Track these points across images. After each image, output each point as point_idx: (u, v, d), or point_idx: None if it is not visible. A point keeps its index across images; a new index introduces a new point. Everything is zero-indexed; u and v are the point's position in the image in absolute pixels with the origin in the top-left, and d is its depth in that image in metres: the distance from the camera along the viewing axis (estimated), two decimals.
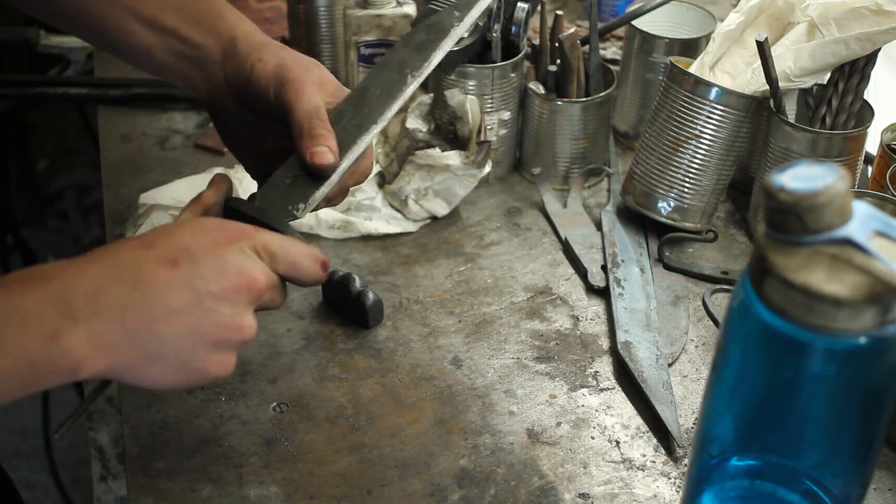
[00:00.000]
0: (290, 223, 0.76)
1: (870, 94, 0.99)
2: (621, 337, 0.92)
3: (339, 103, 0.82)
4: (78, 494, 1.84)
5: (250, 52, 0.81)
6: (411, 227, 1.06)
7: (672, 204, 1.02)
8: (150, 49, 0.84)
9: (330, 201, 0.82)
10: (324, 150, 0.77)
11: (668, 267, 1.01)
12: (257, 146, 0.86)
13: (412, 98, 1.15)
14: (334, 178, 0.78)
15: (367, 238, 1.04)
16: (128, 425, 0.84)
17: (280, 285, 0.72)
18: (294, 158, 0.79)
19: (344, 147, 0.79)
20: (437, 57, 0.84)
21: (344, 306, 0.94)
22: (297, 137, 0.77)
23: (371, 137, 0.80)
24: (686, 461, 0.82)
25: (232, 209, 0.77)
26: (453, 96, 1.04)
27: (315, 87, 0.79)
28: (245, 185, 1.04)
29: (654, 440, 0.84)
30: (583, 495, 0.79)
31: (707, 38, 1.11)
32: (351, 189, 1.05)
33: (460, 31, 0.86)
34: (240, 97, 0.83)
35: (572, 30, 1.08)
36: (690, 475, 0.70)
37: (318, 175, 0.78)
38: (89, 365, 0.63)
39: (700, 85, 0.98)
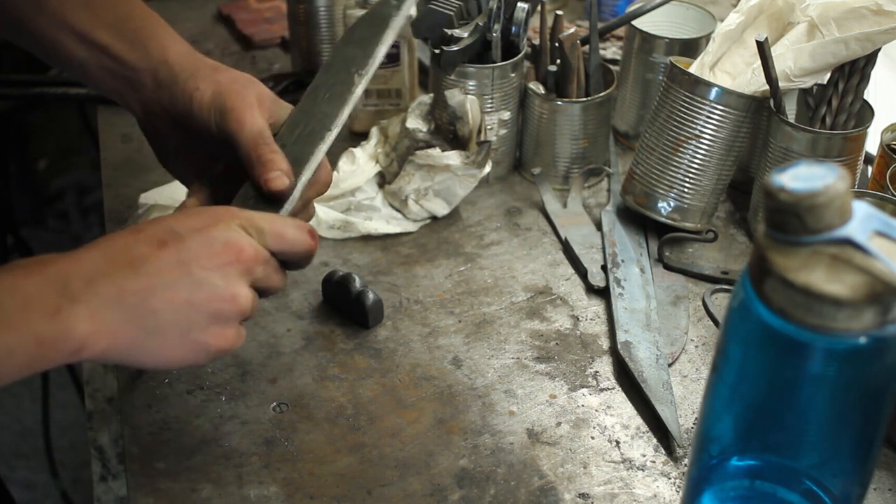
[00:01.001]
0: None
1: (870, 94, 0.99)
2: (621, 337, 0.92)
3: (292, 112, 0.82)
4: (78, 494, 1.84)
5: (186, 80, 0.82)
6: (411, 227, 1.06)
7: (672, 204, 1.02)
8: (84, 64, 0.85)
9: (295, 216, 0.81)
10: (276, 175, 0.78)
11: (668, 267, 1.01)
12: (201, 169, 0.85)
13: (412, 98, 1.15)
14: (295, 195, 0.79)
15: (367, 238, 1.04)
16: (128, 425, 0.84)
17: (273, 262, 0.74)
18: (248, 185, 0.80)
19: (300, 161, 0.79)
20: (381, 51, 0.84)
21: (344, 306, 0.94)
22: (247, 166, 0.79)
23: (326, 146, 0.80)
24: (686, 461, 0.82)
25: None
26: (453, 96, 1.04)
27: (255, 109, 0.80)
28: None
29: (654, 440, 0.84)
30: (583, 495, 0.79)
31: (707, 38, 1.11)
32: (351, 189, 1.05)
33: (400, 22, 0.85)
34: (179, 124, 0.84)
35: (572, 30, 1.08)
36: (690, 475, 0.70)
37: (275, 199, 0.78)
38: (92, 344, 0.65)
39: (700, 85, 0.98)
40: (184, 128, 0.83)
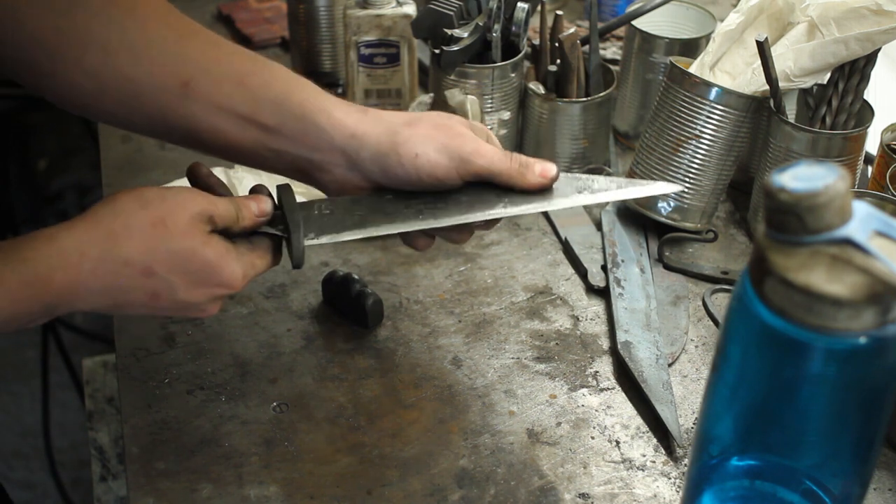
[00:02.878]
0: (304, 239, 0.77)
1: (870, 94, 0.99)
2: (621, 337, 0.92)
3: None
4: (78, 494, 1.84)
5: (392, 150, 0.78)
6: None
7: (672, 204, 1.02)
8: (254, 149, 0.80)
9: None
10: (541, 170, 0.79)
11: (668, 267, 1.01)
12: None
13: (412, 98, 1.15)
14: (374, 232, 0.79)
15: (367, 238, 1.04)
16: (128, 425, 0.84)
17: (231, 203, 0.74)
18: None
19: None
20: (536, 208, 0.81)
21: (344, 306, 0.94)
22: (509, 184, 0.79)
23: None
24: (686, 461, 0.82)
25: (277, 196, 0.78)
26: (453, 96, 1.04)
27: (476, 139, 0.79)
28: (245, 184, 1.04)
29: (654, 440, 0.84)
30: (583, 495, 0.79)
31: (707, 38, 1.11)
32: None
33: (571, 205, 0.81)
34: (391, 187, 0.81)
35: (572, 30, 1.08)
36: (690, 475, 0.70)
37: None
38: (66, 276, 0.68)
39: (700, 85, 0.98)
40: (398, 188, 0.80)
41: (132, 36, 0.77)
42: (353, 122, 0.78)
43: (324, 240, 0.77)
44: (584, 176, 0.82)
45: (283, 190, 0.78)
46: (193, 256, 0.71)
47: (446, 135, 0.78)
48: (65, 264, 0.68)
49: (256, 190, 0.78)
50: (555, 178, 0.80)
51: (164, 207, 0.71)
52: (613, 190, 0.82)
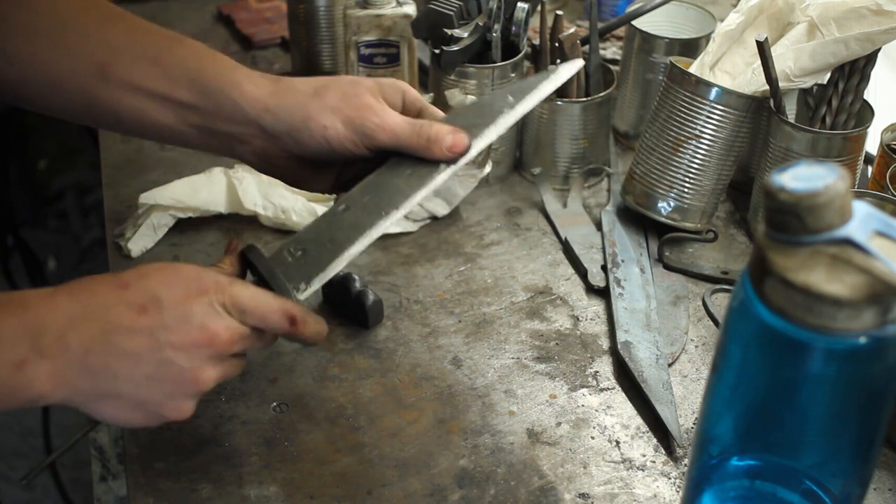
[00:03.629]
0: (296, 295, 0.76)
1: (870, 94, 0.99)
2: (621, 337, 0.92)
3: (370, 175, 0.80)
4: (78, 494, 1.84)
5: (304, 123, 0.78)
6: (411, 227, 1.06)
7: (672, 204, 1.02)
8: (172, 128, 0.80)
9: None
10: (451, 143, 0.78)
11: (668, 267, 1.01)
12: (336, 176, 0.85)
13: None
14: (352, 252, 0.77)
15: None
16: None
17: (256, 334, 0.72)
18: (394, 161, 0.79)
19: (359, 228, 0.77)
20: (479, 145, 0.80)
21: (344, 306, 0.94)
22: (419, 154, 0.78)
23: (387, 223, 0.78)
24: (686, 461, 0.82)
25: (247, 260, 0.77)
26: (454, 96, 1.04)
27: (386, 109, 0.79)
28: (245, 184, 1.04)
29: (654, 440, 0.84)
30: (583, 495, 0.79)
31: (707, 38, 1.11)
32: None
33: (509, 121, 0.81)
34: (308, 159, 0.81)
35: (572, 30, 1.08)
36: (690, 475, 0.70)
37: (451, 160, 0.78)
38: (49, 396, 0.67)
39: (700, 85, 0.98)
40: (317, 159, 0.81)
41: (51, 22, 0.78)
42: (265, 95, 0.79)
43: (315, 285, 0.77)
44: (502, 94, 0.82)
45: (252, 253, 0.77)
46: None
47: (352, 106, 0.78)
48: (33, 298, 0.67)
49: (229, 251, 0.78)
50: (464, 152, 0.78)
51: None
52: (531, 93, 0.81)
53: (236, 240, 0.79)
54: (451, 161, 0.79)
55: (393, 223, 0.78)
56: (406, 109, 0.82)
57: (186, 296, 0.69)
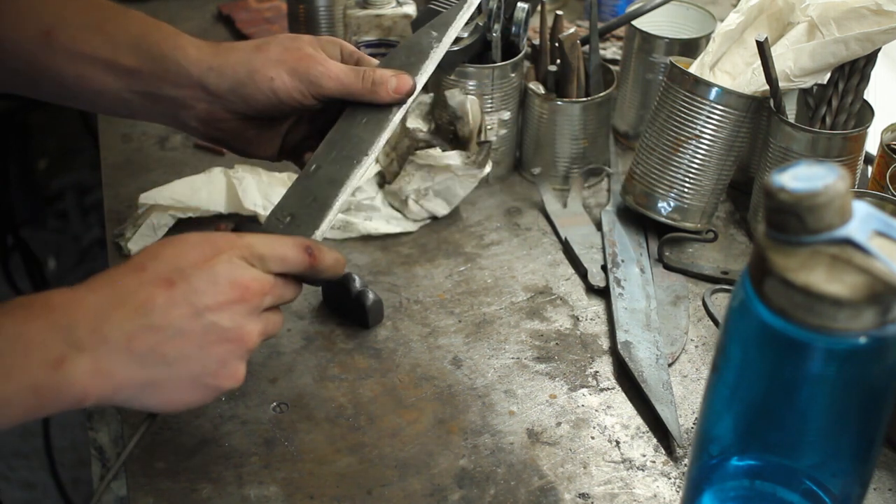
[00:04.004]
0: None
1: (870, 94, 0.99)
2: (621, 337, 0.92)
3: (330, 132, 0.81)
4: (78, 494, 1.84)
5: (250, 77, 0.80)
6: (411, 227, 1.06)
7: (672, 204, 1.02)
8: (118, 94, 0.81)
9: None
10: (395, 85, 0.80)
11: (668, 267, 1.01)
12: (286, 137, 0.86)
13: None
14: (338, 204, 0.78)
15: (367, 238, 1.04)
16: (128, 425, 0.84)
17: (282, 282, 0.72)
18: (351, 112, 0.81)
19: (336, 182, 0.79)
20: (420, 81, 0.83)
21: (344, 306, 0.94)
22: (364, 99, 0.80)
23: (362, 170, 0.79)
24: (686, 461, 0.82)
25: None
26: (454, 96, 1.04)
27: (327, 59, 0.81)
28: (245, 184, 1.04)
29: (654, 440, 0.84)
30: (583, 495, 0.79)
31: (707, 38, 1.11)
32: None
33: (440, 53, 0.84)
34: (254, 117, 0.82)
35: (572, 30, 1.08)
36: (690, 475, 0.70)
37: (398, 102, 0.81)
38: (94, 392, 0.64)
39: (700, 85, 0.98)
40: (262, 117, 0.82)
41: None
42: (208, 55, 0.81)
43: (319, 234, 0.77)
44: (425, 31, 0.85)
45: (244, 227, 0.78)
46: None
47: (295, 57, 0.80)
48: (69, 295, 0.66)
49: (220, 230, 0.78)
50: (411, 91, 0.80)
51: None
52: (451, 25, 0.85)
53: (224, 223, 0.79)
54: (399, 102, 0.81)
55: (366, 169, 0.80)
56: (344, 61, 0.83)
57: (205, 259, 0.68)
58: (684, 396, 0.88)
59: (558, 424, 0.85)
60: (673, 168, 1.00)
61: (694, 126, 0.98)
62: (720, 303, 0.97)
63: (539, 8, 1.10)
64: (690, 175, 1.00)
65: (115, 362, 0.64)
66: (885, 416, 0.61)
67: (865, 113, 0.98)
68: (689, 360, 0.91)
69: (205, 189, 1.04)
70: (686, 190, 1.01)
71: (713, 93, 0.97)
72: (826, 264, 0.55)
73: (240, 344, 0.68)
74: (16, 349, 0.62)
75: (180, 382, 0.67)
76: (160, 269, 0.67)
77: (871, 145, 1.01)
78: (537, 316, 0.96)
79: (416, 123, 1.07)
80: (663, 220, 1.03)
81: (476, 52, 1.07)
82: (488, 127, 1.08)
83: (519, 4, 1.07)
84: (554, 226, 1.07)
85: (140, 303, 0.65)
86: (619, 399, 0.87)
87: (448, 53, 1.04)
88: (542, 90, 1.09)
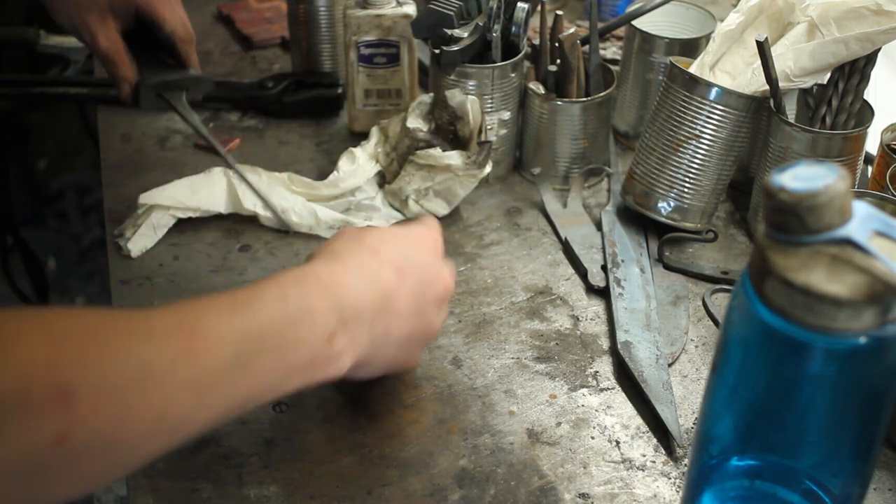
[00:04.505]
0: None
1: (870, 94, 0.99)
2: (621, 337, 0.92)
3: None
4: None
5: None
6: None
7: (672, 204, 1.02)
8: None
9: None
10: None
11: (668, 267, 1.01)
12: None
13: (412, 98, 1.15)
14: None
15: None
16: None
17: None
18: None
19: None
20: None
21: None
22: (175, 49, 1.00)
23: None
24: (686, 461, 0.82)
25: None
26: (454, 97, 1.04)
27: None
28: (242, 189, 1.04)
29: (654, 440, 0.84)
30: (583, 495, 0.79)
31: (707, 38, 1.11)
32: (351, 189, 1.06)
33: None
34: None
35: (572, 30, 1.08)
36: (690, 475, 0.70)
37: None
38: (348, 365, 0.70)
39: (700, 85, 0.98)
40: None
41: None
42: None
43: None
44: None
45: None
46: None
47: None
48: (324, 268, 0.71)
49: None
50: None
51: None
52: None
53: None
54: None
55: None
56: None
57: (421, 250, 0.76)
58: (684, 396, 0.88)
59: (558, 424, 0.85)
60: (673, 168, 1.00)
61: (694, 126, 0.98)
62: (720, 303, 0.97)
63: (539, 8, 1.10)
64: (690, 175, 1.00)
65: (363, 338, 0.71)
66: (885, 416, 0.61)
67: (865, 113, 0.98)
68: (689, 360, 0.91)
69: (205, 189, 1.04)
70: (686, 190, 1.01)
71: (713, 93, 0.97)
72: (826, 264, 0.55)
73: (432, 334, 0.78)
74: (303, 320, 0.66)
75: (382, 364, 0.75)
76: (391, 255, 0.74)
77: (871, 145, 1.01)
78: (537, 316, 0.96)
79: (417, 123, 1.07)
80: (663, 220, 1.03)
81: (476, 52, 1.07)
82: (488, 127, 1.08)
83: (519, 4, 1.07)
84: (554, 226, 1.07)
85: (382, 286, 0.72)
86: (619, 399, 0.87)
87: (448, 53, 1.05)
88: (542, 90, 1.09)
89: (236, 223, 1.05)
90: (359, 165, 1.07)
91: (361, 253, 0.73)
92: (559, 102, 1.08)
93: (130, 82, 0.96)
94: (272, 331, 0.64)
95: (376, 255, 0.73)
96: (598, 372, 0.90)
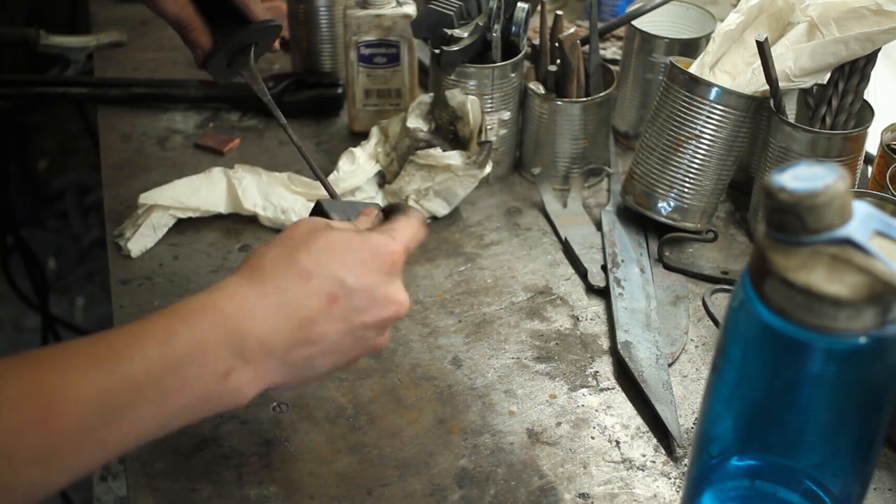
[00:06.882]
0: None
1: (870, 94, 0.99)
2: (621, 337, 0.92)
3: None
4: (78, 494, 1.84)
5: None
6: None
7: (672, 204, 1.02)
8: None
9: None
10: None
11: (668, 267, 1.01)
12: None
13: (412, 98, 1.15)
14: None
15: None
16: None
17: None
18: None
19: None
20: None
21: None
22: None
23: None
24: (686, 461, 0.82)
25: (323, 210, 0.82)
26: (454, 97, 1.04)
27: None
28: (244, 184, 1.04)
29: (654, 440, 0.84)
30: (583, 495, 0.79)
31: (707, 38, 1.11)
32: (351, 188, 1.06)
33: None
34: None
35: (572, 30, 1.08)
36: (690, 475, 0.70)
37: None
38: (249, 396, 0.67)
39: (700, 85, 0.98)
40: None
41: None
42: None
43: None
44: None
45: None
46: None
47: None
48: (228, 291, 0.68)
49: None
50: None
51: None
52: None
53: (369, 208, 0.82)
54: None
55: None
56: None
57: (367, 272, 0.71)
58: (684, 396, 0.88)
59: (558, 424, 0.85)
60: (673, 168, 1.00)
61: (694, 126, 0.98)
62: (720, 303, 0.97)
63: (539, 8, 1.10)
64: (690, 175, 1.00)
65: (272, 370, 0.68)
66: (885, 416, 0.61)
67: (865, 113, 0.98)
68: (689, 360, 0.91)
69: (205, 189, 1.04)
70: (686, 190, 1.01)
71: (713, 93, 0.97)
72: (826, 264, 0.55)
73: (375, 349, 0.75)
74: (193, 360, 0.64)
75: (313, 379, 0.73)
76: (325, 281, 0.69)
77: (871, 145, 1.01)
78: (537, 316, 0.96)
79: (417, 123, 1.07)
80: (663, 220, 1.03)
81: (476, 52, 1.07)
82: (488, 127, 1.08)
83: (519, 4, 1.07)
84: (554, 226, 1.07)
85: (304, 316, 0.68)
86: (619, 399, 0.87)
87: (448, 53, 1.05)
88: (542, 90, 1.09)
89: (236, 223, 1.05)
90: (359, 165, 1.07)
91: (288, 277, 0.68)
92: (559, 102, 1.08)
93: (204, 48, 0.90)
94: (149, 380, 0.61)
95: (306, 280, 0.68)
96: (598, 372, 0.90)
